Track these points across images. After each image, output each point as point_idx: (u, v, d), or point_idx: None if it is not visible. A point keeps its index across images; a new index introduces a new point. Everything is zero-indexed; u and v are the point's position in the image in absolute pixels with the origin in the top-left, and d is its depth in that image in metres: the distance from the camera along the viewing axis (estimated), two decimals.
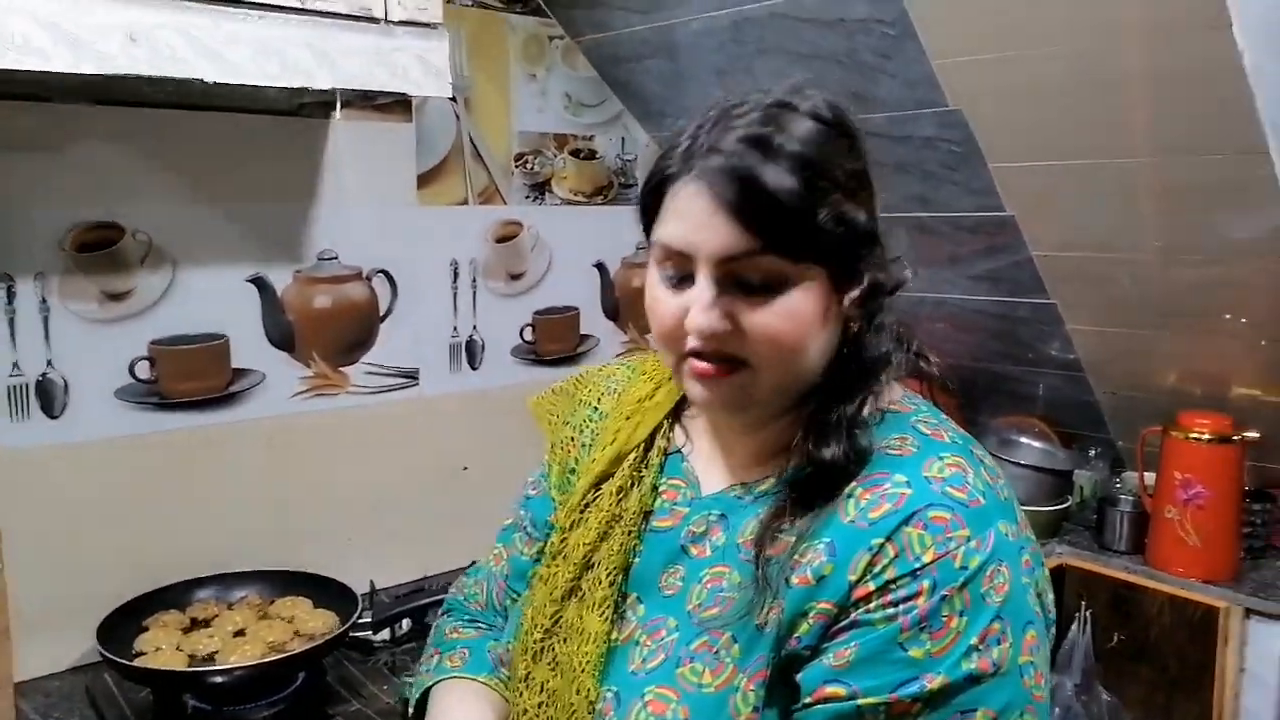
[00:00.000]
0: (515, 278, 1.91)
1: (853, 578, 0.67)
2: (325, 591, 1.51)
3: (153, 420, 1.52)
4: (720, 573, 0.76)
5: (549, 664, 0.81)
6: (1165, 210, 1.60)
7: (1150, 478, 1.87)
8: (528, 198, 1.90)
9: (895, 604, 0.66)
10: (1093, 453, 2.15)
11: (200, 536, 1.56)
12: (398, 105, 1.69)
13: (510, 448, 1.93)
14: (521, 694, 0.82)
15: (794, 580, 0.69)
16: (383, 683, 1.42)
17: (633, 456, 0.85)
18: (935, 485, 0.69)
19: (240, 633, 1.41)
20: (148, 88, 1.30)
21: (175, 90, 1.34)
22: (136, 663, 1.31)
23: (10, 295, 1.38)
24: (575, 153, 1.96)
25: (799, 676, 0.69)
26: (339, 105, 1.27)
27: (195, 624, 1.44)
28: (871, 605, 0.66)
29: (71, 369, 1.44)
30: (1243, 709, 1.75)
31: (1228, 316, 1.76)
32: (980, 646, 0.65)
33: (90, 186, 1.42)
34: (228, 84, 1.17)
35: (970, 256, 1.87)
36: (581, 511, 0.85)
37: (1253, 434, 1.76)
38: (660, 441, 0.86)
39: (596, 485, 0.86)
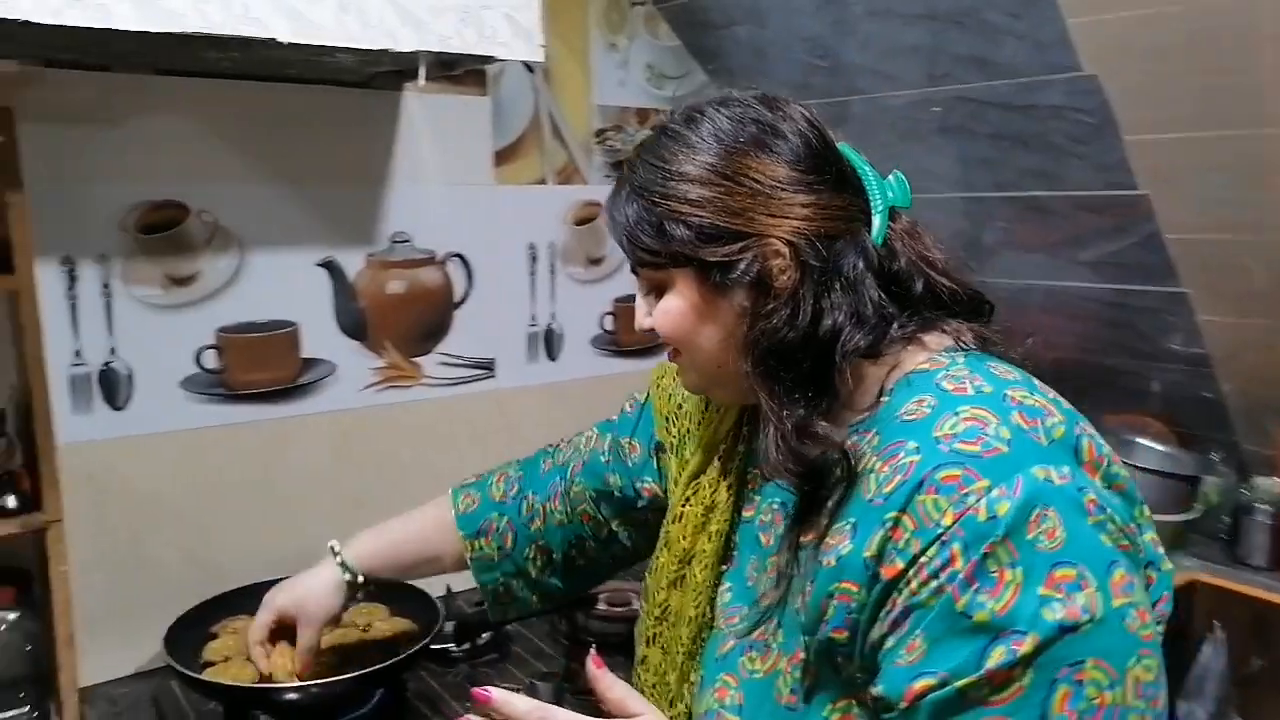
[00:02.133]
0: (595, 263, 1.79)
1: (868, 554, 0.64)
2: (400, 597, 1.40)
3: (220, 413, 1.42)
4: (776, 562, 0.77)
5: (660, 648, 0.87)
6: None
7: None
8: (608, 177, 1.78)
9: (935, 575, 0.61)
10: (1215, 455, 1.97)
11: (269, 536, 1.47)
12: (473, 76, 1.58)
13: None
14: (639, 675, 0.89)
15: (823, 563, 0.68)
16: (464, 698, 1.32)
17: (723, 447, 0.88)
18: (944, 444, 0.64)
19: None
20: (212, 54, 1.21)
21: (241, 58, 1.24)
22: (205, 674, 1.21)
23: (72, 279, 1.29)
24: None
25: (880, 689, 0.64)
26: (422, 71, 1.16)
27: None
28: (913, 585, 0.62)
29: (135, 358, 1.35)
30: None
31: None
32: (1058, 595, 0.60)
33: (153, 163, 1.33)
34: (300, 49, 1.06)
35: (1092, 239, 1.71)
36: (682, 506, 0.88)
37: None
38: (746, 428, 0.87)
39: (693, 479, 0.88)
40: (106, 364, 1.33)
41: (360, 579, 1.15)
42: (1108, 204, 1.61)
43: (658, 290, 0.78)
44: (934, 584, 0.61)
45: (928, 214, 0.82)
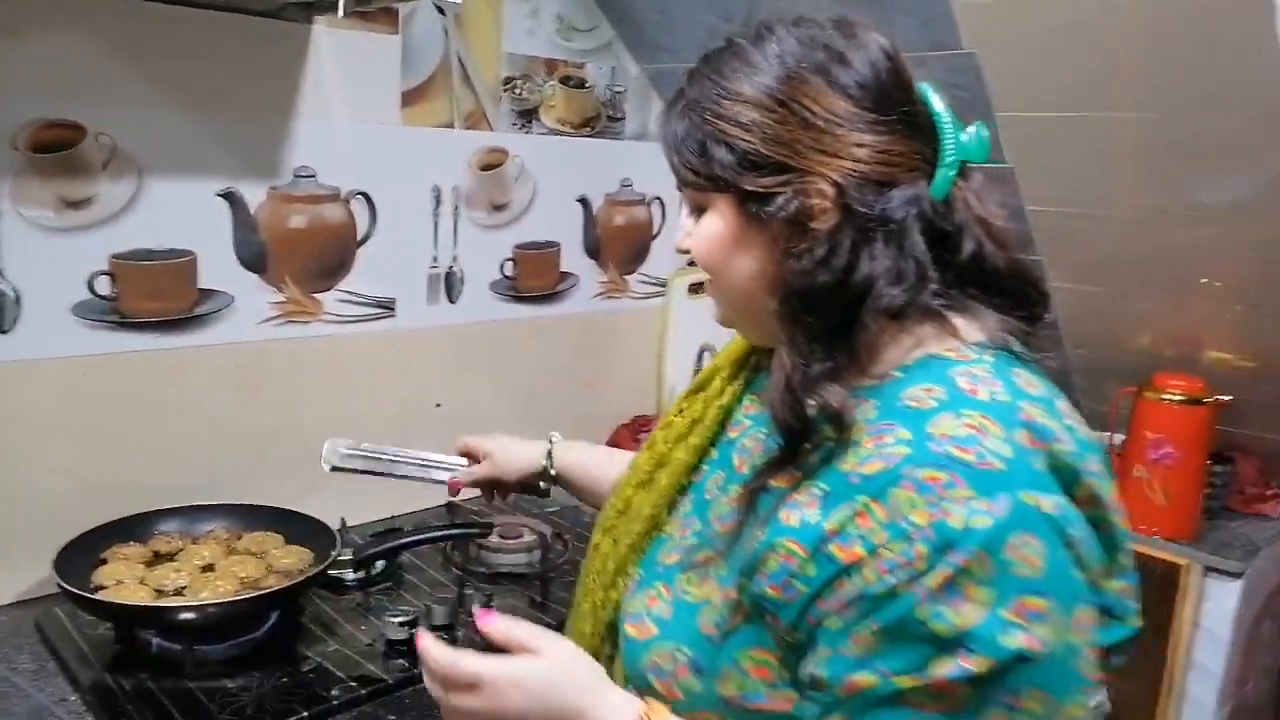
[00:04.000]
0: (498, 209, 1.82)
1: (828, 527, 0.64)
2: (296, 527, 1.44)
3: (113, 340, 1.41)
4: (741, 494, 0.77)
5: (612, 539, 0.89)
6: (1164, 168, 1.59)
7: (1119, 438, 1.90)
8: (515, 124, 1.81)
9: (893, 571, 0.60)
10: None
11: (163, 465, 1.47)
12: (384, 14, 1.58)
13: (485, 386, 1.87)
14: (590, 559, 0.91)
15: (781, 515, 0.68)
16: (359, 622, 1.36)
17: (726, 371, 0.91)
18: (937, 443, 0.63)
19: (209, 568, 1.33)
20: None
21: None
22: (99, 596, 1.22)
23: None
24: (565, 80, 1.87)
25: (820, 671, 0.64)
26: (342, 3, 1.16)
27: (158, 557, 1.35)
28: (868, 574, 0.61)
29: (25, 280, 1.32)
30: (1195, 663, 1.81)
31: (1204, 280, 1.77)
32: (1021, 623, 0.58)
33: (49, 80, 1.29)
34: None
35: None
36: (674, 416, 0.92)
37: (1225, 398, 1.79)
38: (756, 355, 0.90)
39: (695, 392, 0.92)
40: None
41: (552, 472, 1.22)
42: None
43: (699, 211, 0.76)
44: (890, 580, 0.60)
45: None
